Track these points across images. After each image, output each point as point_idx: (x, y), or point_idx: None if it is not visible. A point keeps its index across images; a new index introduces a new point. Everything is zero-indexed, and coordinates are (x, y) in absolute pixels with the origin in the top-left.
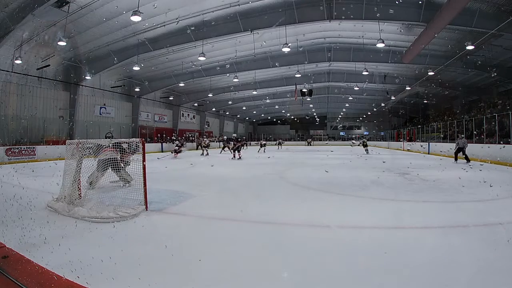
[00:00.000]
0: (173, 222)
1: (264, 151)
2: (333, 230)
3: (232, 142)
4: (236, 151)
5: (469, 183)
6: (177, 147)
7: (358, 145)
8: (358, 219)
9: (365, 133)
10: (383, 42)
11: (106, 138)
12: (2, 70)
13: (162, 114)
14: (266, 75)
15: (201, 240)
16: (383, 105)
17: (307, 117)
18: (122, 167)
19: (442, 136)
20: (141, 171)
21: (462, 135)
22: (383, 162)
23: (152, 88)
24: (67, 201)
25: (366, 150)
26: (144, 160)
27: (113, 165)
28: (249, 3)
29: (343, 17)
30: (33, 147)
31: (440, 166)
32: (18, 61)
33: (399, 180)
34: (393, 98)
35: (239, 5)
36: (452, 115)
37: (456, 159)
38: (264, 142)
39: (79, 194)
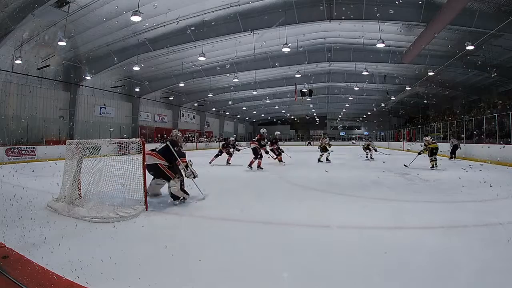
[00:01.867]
0: (173, 222)
1: (327, 159)
2: (333, 230)
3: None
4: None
5: (469, 183)
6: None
7: (419, 153)
8: (358, 219)
9: (365, 133)
10: (383, 42)
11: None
12: (2, 70)
13: (162, 114)
14: (266, 75)
15: (201, 240)
16: (383, 105)
17: (307, 117)
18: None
19: (442, 136)
20: (141, 171)
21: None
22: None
23: (152, 88)
24: (67, 201)
25: (435, 161)
26: (144, 160)
27: (156, 171)
28: (249, 3)
29: (343, 17)
30: (33, 147)
31: (440, 166)
32: (18, 61)
33: (399, 180)
34: (393, 98)
35: (239, 5)
36: (452, 115)
37: (454, 157)
38: (327, 141)
39: (79, 194)
